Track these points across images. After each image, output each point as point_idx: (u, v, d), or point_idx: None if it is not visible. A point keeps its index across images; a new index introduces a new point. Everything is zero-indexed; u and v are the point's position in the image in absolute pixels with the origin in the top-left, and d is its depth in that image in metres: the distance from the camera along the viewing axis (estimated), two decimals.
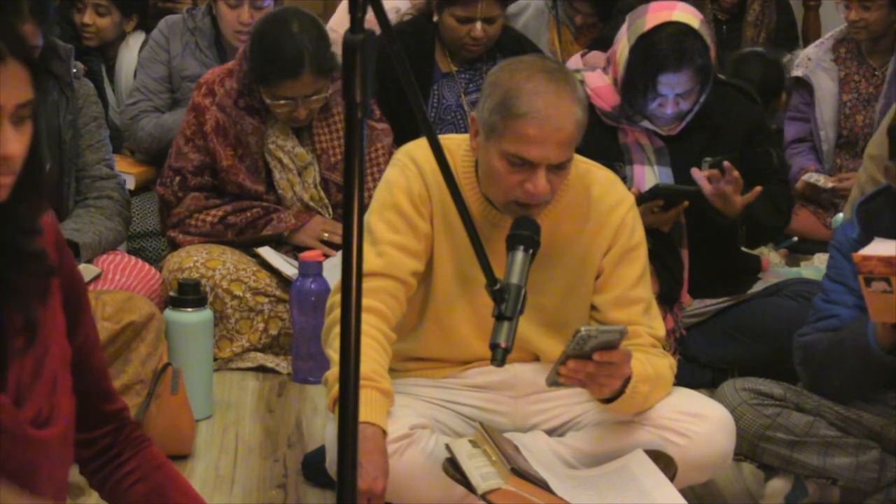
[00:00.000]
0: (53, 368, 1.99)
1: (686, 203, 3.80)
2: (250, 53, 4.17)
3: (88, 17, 5.13)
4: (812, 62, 5.37)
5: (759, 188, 3.79)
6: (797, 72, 5.41)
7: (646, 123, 3.85)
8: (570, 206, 2.95)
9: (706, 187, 3.78)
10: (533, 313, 2.85)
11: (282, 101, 4.15)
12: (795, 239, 4.91)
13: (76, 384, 2.07)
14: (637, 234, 3.00)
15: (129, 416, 2.22)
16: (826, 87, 5.33)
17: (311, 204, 4.29)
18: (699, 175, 3.80)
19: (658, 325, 3.00)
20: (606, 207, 2.97)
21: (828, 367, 3.10)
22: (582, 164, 2.98)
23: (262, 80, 4.15)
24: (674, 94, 3.76)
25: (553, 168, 2.80)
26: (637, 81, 3.77)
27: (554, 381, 2.75)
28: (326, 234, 4.26)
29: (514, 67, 2.85)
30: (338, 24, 5.13)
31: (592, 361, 2.70)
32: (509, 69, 2.85)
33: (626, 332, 2.74)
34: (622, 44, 3.82)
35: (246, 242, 4.27)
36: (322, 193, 4.30)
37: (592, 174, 3.00)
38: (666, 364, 2.94)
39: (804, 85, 5.39)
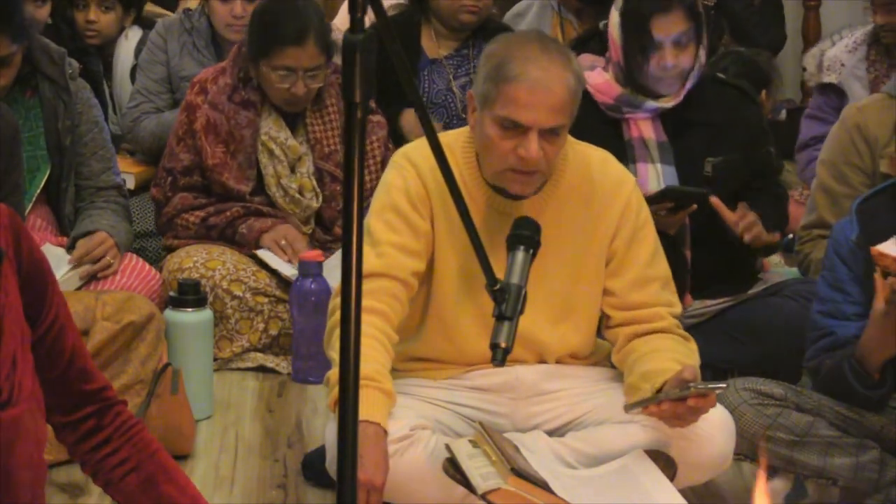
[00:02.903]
0: (11, 349, 1.99)
1: (695, 206, 3.80)
2: (252, 28, 4.19)
3: (93, 14, 5.08)
4: (845, 68, 5.29)
5: (778, 235, 3.94)
6: (829, 77, 5.30)
7: (650, 104, 3.83)
8: (571, 187, 2.97)
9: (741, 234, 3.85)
10: (540, 301, 2.86)
11: (282, 72, 4.13)
12: (791, 237, 4.90)
13: (50, 366, 2.06)
14: (644, 212, 3.03)
15: (112, 395, 2.19)
16: (859, 95, 5.24)
17: (298, 196, 4.27)
18: (721, 207, 3.83)
19: (675, 300, 3.05)
20: (609, 186, 3.00)
21: (834, 396, 3.13)
22: (578, 145, 3.02)
23: (264, 53, 4.14)
24: (669, 40, 3.76)
25: (546, 134, 2.81)
26: (632, 38, 3.77)
27: (636, 411, 2.84)
28: (284, 241, 4.23)
29: (509, 39, 2.92)
30: (342, 22, 5.13)
31: (685, 405, 2.75)
32: (504, 41, 2.91)
33: (726, 388, 2.85)
34: (613, 14, 3.84)
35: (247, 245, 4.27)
36: (314, 182, 4.30)
37: (589, 154, 3.04)
38: (691, 348, 3.00)
39: (833, 89, 5.28)
